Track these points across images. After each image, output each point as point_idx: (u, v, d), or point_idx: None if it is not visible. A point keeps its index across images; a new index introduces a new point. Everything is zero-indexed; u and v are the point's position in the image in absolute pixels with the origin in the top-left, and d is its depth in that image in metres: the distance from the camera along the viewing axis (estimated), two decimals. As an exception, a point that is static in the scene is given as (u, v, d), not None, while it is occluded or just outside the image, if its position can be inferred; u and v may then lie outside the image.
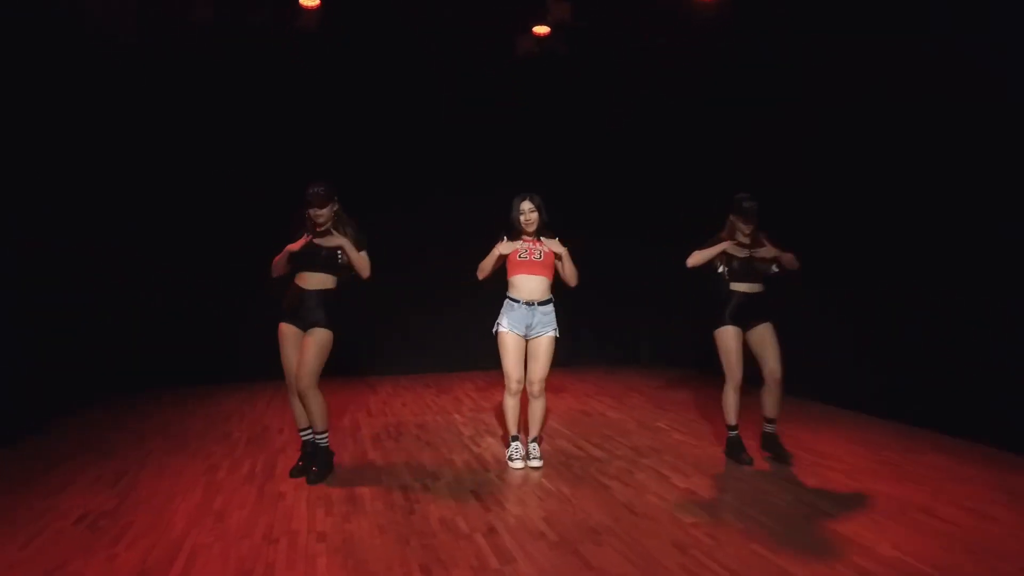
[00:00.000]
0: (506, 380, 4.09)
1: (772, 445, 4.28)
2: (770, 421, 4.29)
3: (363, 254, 3.90)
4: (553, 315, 4.17)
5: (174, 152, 6.81)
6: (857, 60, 5.38)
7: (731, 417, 4.28)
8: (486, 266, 4.11)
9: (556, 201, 7.69)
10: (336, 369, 7.15)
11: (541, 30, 7.09)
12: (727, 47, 6.64)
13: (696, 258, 4.17)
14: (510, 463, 4.16)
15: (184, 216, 6.81)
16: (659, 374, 7.55)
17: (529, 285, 4.08)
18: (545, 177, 7.94)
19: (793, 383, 5.92)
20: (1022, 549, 2.91)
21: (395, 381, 7.17)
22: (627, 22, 6.89)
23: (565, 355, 8.10)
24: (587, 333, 8.25)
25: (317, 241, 3.82)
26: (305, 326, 3.83)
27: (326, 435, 3.96)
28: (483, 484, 3.81)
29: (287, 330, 3.85)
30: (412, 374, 7.49)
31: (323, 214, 3.78)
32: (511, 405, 4.15)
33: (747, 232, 4.10)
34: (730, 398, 4.25)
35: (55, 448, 4.58)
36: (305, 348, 3.80)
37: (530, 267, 4.08)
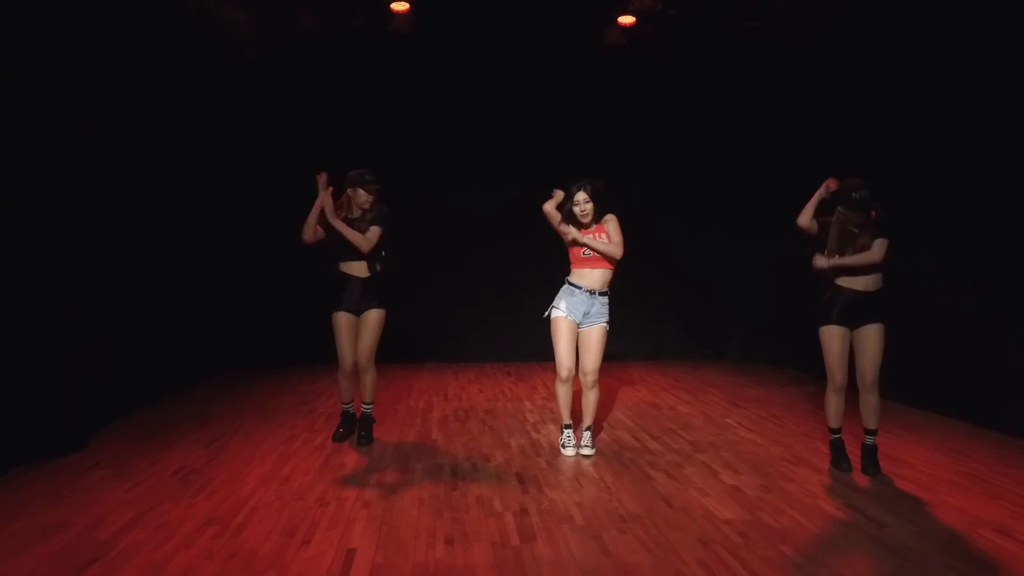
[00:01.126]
0: (557, 367, 4.19)
1: (864, 456, 3.93)
2: (868, 432, 3.93)
3: (373, 229, 4.19)
4: (607, 307, 4.24)
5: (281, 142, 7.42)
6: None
7: (831, 420, 3.99)
8: (551, 219, 4.30)
9: (648, 194, 7.75)
10: (422, 355, 7.66)
11: (627, 20, 7.07)
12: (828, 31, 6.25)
13: (803, 216, 3.86)
14: (562, 450, 4.27)
15: (283, 209, 7.40)
16: (746, 371, 7.30)
17: (593, 276, 4.20)
18: (635, 168, 7.90)
19: (887, 386, 5.58)
20: (1094, 575, 2.64)
21: (479, 368, 7.44)
22: (718, 5, 6.68)
23: (651, 348, 8.12)
24: (676, 328, 8.12)
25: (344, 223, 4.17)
26: (358, 311, 4.24)
27: (373, 405, 4.44)
28: (530, 468, 3.95)
29: (342, 318, 4.24)
30: (496, 362, 7.72)
31: (370, 200, 4.15)
32: (563, 392, 4.25)
33: (856, 225, 3.74)
34: (830, 402, 3.95)
35: (169, 415, 5.23)
36: (364, 329, 4.24)
37: (594, 261, 4.19)
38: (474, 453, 4.25)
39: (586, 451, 4.23)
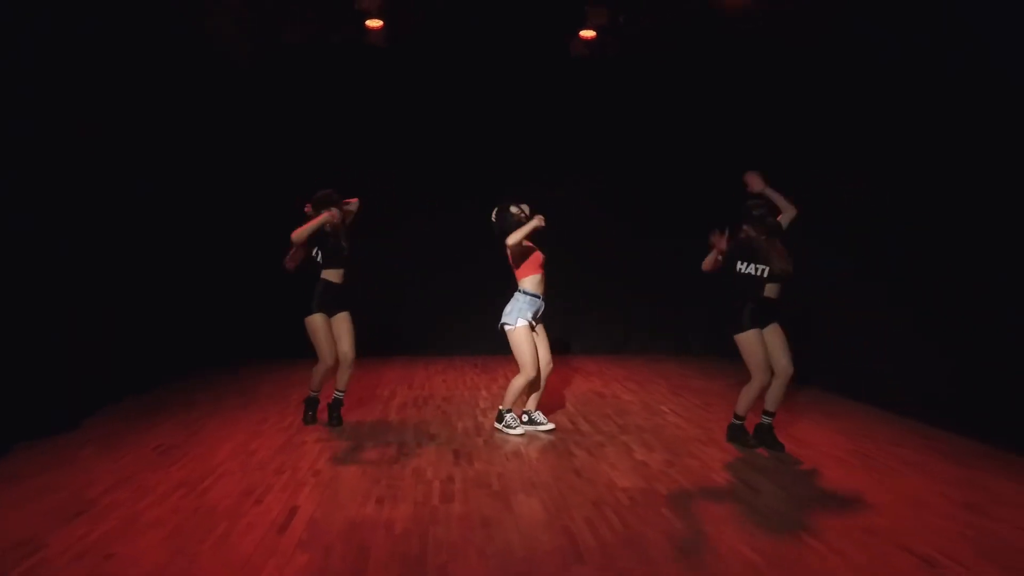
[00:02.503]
0: (529, 370, 4.64)
1: (766, 436, 4.45)
2: (769, 414, 4.45)
3: None
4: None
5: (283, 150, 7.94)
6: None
7: (742, 408, 4.49)
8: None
9: (618, 198, 8.27)
10: (396, 349, 8.16)
11: (588, 34, 7.56)
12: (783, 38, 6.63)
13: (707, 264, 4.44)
14: (509, 431, 4.76)
15: (272, 214, 7.91)
16: (701, 365, 7.80)
17: (544, 279, 4.76)
18: (608, 173, 8.40)
19: (814, 375, 6.06)
20: (900, 528, 3.15)
21: (449, 361, 7.96)
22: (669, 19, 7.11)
23: (616, 344, 8.63)
24: (641, 324, 8.64)
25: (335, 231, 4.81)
26: (332, 312, 4.81)
27: (344, 392, 5.04)
28: (467, 446, 4.48)
29: (319, 320, 4.79)
30: (465, 355, 8.23)
31: (336, 212, 4.76)
32: (524, 386, 4.73)
33: (762, 237, 4.28)
34: (752, 395, 4.41)
35: (156, 401, 5.76)
36: (344, 330, 4.83)
37: (543, 265, 4.77)
38: (422, 433, 4.78)
39: (550, 425, 4.81)
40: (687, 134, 8.36)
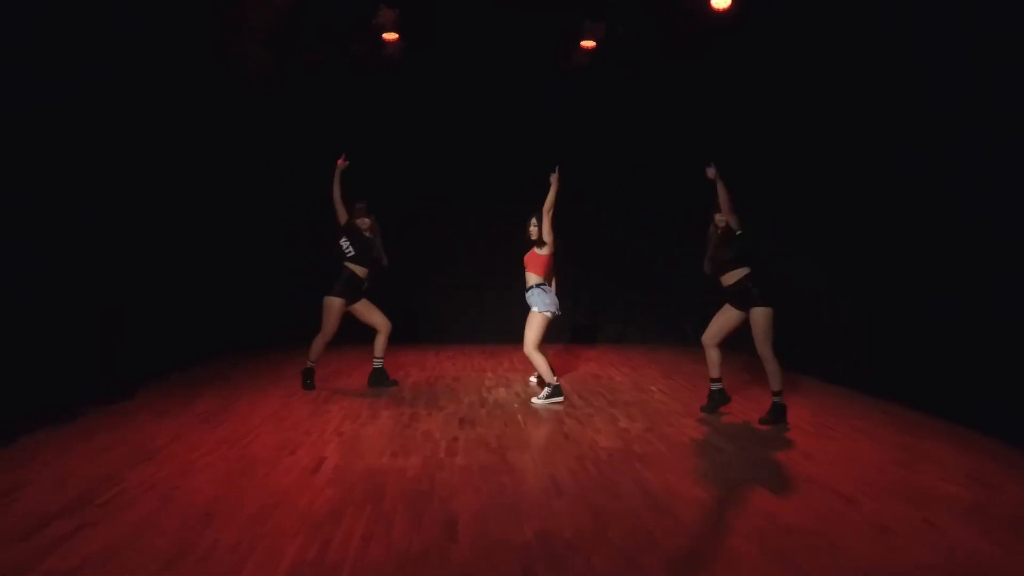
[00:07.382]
0: None
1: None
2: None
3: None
4: (532, 298, 5.53)
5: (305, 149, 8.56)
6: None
7: (713, 371, 5.10)
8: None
9: (616, 196, 8.82)
10: (409, 338, 8.72)
11: (588, 44, 8.10)
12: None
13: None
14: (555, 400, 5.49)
15: (305, 209, 8.50)
16: (695, 352, 8.27)
17: (526, 277, 5.58)
18: (604, 173, 8.96)
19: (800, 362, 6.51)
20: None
21: (459, 348, 8.55)
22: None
23: (615, 334, 9.19)
24: (640, 315, 9.20)
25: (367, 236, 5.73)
26: (354, 300, 5.70)
27: (381, 360, 5.99)
28: (472, 415, 5.07)
29: (339, 304, 5.68)
30: (475, 344, 8.82)
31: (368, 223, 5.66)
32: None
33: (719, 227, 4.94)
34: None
35: (199, 378, 6.39)
36: (372, 306, 5.84)
37: (525, 267, 5.58)
38: (432, 405, 5.38)
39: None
40: (685, 136, 8.84)
